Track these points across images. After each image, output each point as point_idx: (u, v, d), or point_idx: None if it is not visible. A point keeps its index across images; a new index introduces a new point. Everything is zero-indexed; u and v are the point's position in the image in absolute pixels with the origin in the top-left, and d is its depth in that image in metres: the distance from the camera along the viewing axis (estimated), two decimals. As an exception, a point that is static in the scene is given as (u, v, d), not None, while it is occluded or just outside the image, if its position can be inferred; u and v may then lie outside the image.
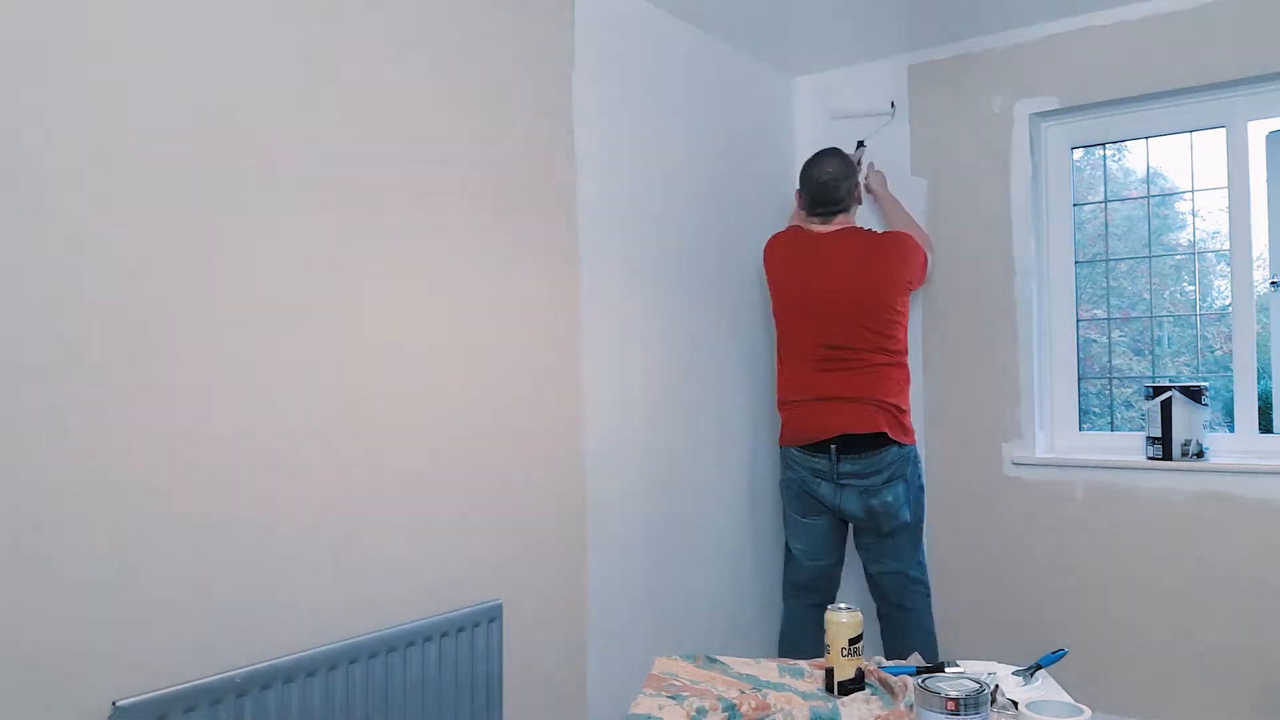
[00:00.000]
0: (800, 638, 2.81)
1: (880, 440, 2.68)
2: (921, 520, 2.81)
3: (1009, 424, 3.06)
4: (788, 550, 2.92)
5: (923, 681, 1.43)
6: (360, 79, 1.97)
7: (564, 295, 2.48)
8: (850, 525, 2.84)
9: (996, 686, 1.60)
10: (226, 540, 1.71)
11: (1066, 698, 1.60)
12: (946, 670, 1.72)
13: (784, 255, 2.89)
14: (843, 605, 1.71)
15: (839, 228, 2.84)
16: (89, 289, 1.53)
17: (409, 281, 2.07)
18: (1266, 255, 2.78)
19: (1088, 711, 1.37)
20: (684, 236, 2.94)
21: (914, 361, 3.24)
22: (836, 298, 2.73)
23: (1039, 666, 1.79)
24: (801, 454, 2.77)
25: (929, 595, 2.84)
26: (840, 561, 2.88)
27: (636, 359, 2.73)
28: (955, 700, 1.36)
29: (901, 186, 3.27)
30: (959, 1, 2.87)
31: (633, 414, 2.71)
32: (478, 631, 2.15)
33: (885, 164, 3.30)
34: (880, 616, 2.86)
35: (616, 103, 2.68)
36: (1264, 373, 2.79)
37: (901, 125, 3.28)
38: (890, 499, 2.70)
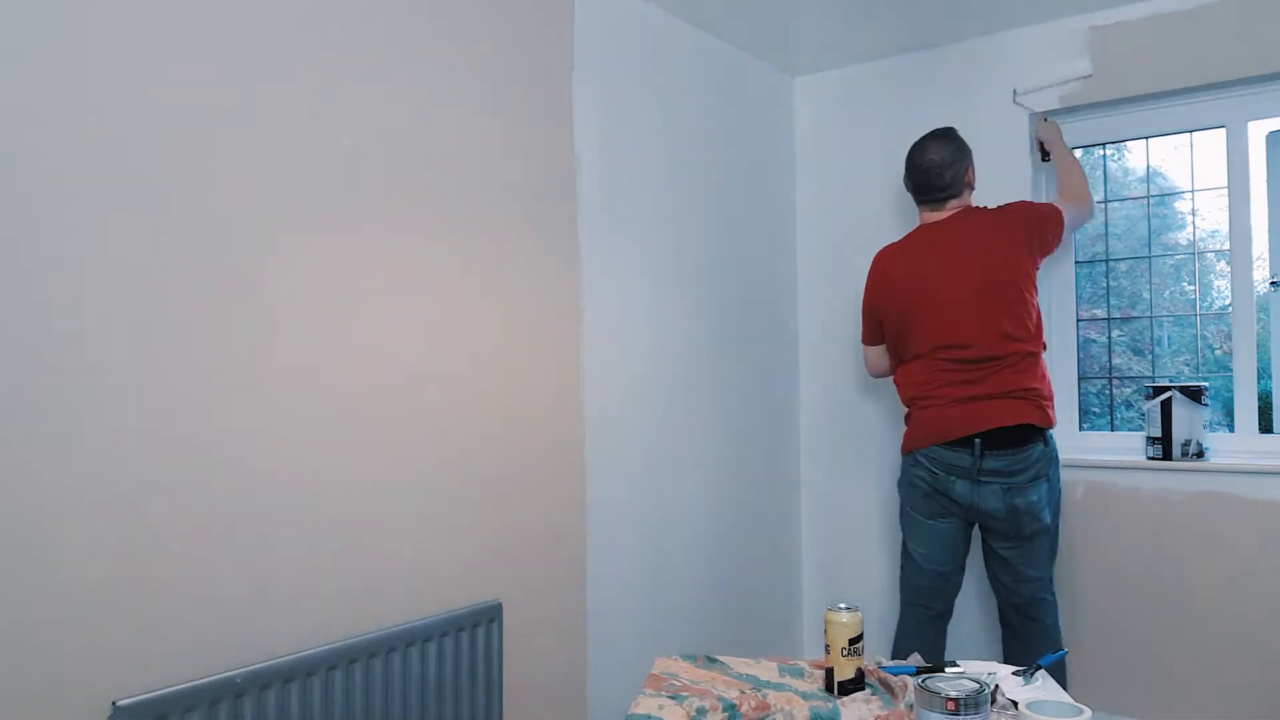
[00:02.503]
0: (918, 648, 2.56)
1: (1028, 435, 2.47)
2: (1059, 526, 2.59)
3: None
4: (905, 554, 2.69)
5: (923, 681, 1.43)
6: (360, 79, 1.97)
7: (564, 295, 2.48)
8: (979, 529, 2.60)
9: (996, 686, 1.60)
10: (226, 540, 1.71)
11: (1066, 698, 1.60)
12: (946, 670, 1.72)
13: (893, 259, 2.69)
14: (843, 605, 1.71)
15: (951, 213, 2.63)
16: (91, 290, 1.53)
17: (409, 282, 2.06)
18: (1266, 255, 2.78)
19: (1088, 711, 1.37)
20: (684, 236, 2.94)
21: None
22: (959, 290, 2.53)
23: (1039, 666, 1.79)
24: (939, 449, 2.53)
25: (1058, 608, 2.61)
26: (963, 568, 2.66)
27: (636, 359, 2.73)
28: (955, 700, 1.36)
29: (895, 186, 3.27)
30: (959, 1, 2.87)
31: (633, 414, 2.71)
32: (478, 631, 2.15)
33: (878, 166, 3.31)
34: (1008, 627, 2.64)
35: (616, 103, 2.68)
36: (1264, 373, 2.79)
37: (899, 125, 3.28)
38: (1034, 498, 2.47)
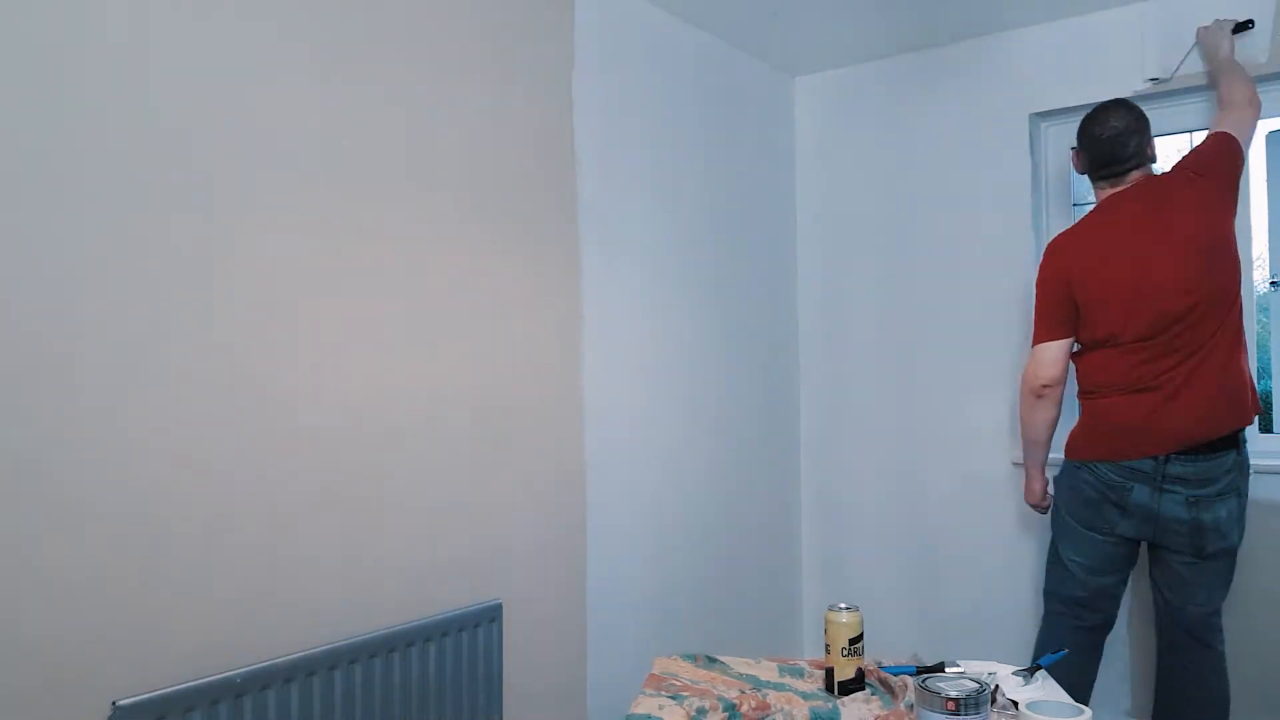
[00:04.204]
0: (1063, 665, 2.20)
1: (1223, 443, 2.23)
2: (1239, 546, 2.33)
3: (1009, 423, 3.05)
4: (1055, 558, 2.46)
5: (923, 681, 1.43)
6: (360, 79, 1.97)
7: (564, 295, 2.48)
8: (1145, 544, 2.36)
9: (996, 686, 1.60)
10: (226, 540, 1.71)
11: (1066, 698, 1.60)
12: (946, 670, 1.72)
13: (1071, 245, 2.42)
14: (843, 605, 1.71)
15: (1132, 185, 2.38)
16: (91, 290, 1.53)
17: (409, 282, 2.07)
18: (1266, 255, 2.78)
19: (1088, 711, 1.37)
20: (684, 236, 2.94)
21: (915, 362, 3.24)
22: (1154, 268, 2.26)
23: (1039, 666, 1.79)
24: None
25: (1222, 623, 2.38)
26: (1125, 581, 2.42)
27: (637, 359, 2.73)
28: (955, 700, 1.36)
29: (895, 186, 3.28)
30: (959, 2, 2.87)
31: (633, 414, 2.71)
32: (478, 631, 2.15)
33: (878, 166, 3.31)
34: (1174, 654, 2.38)
35: (616, 103, 2.68)
36: (1264, 373, 2.79)
37: (899, 125, 3.28)
38: (1224, 514, 2.23)
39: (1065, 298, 2.39)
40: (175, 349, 1.64)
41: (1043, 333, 2.44)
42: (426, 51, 2.12)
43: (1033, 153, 3.06)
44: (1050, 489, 2.61)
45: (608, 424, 2.61)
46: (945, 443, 3.18)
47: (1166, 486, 2.24)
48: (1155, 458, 2.23)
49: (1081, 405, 2.42)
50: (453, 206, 2.17)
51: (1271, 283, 2.76)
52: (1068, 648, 2.32)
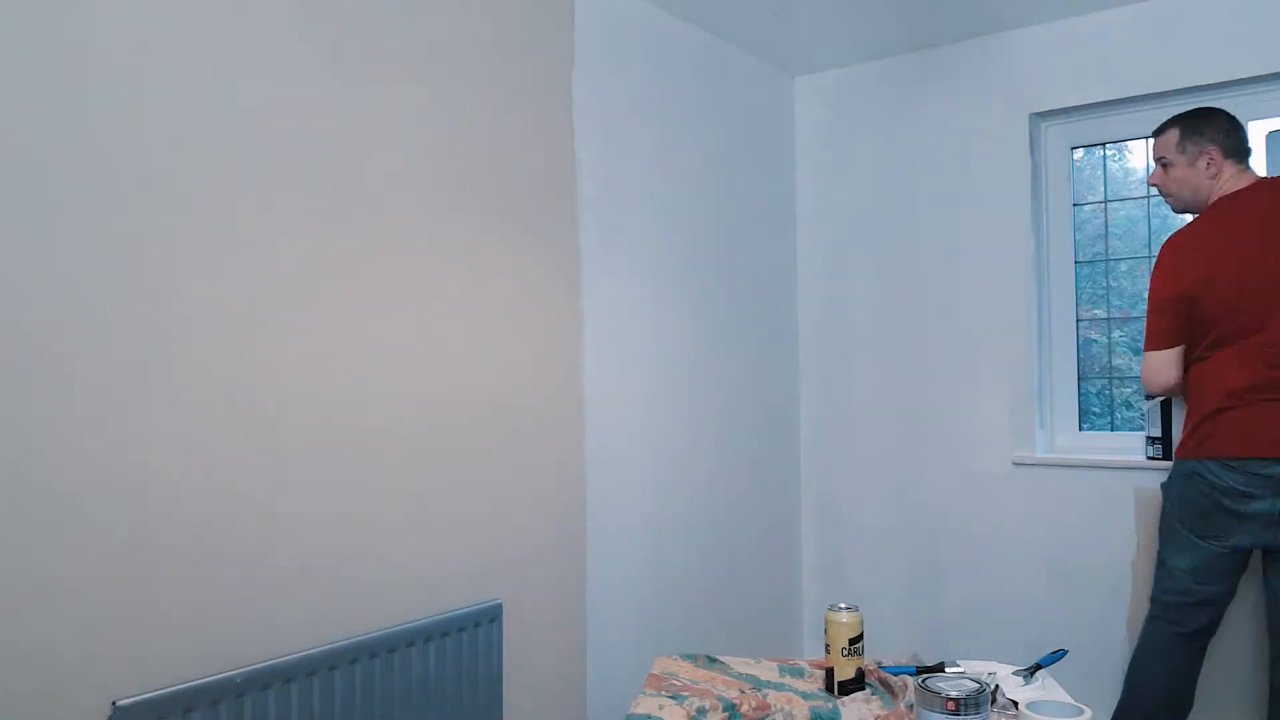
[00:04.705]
0: (1160, 669, 2.30)
1: None
2: None
3: (1009, 423, 3.06)
4: (1161, 564, 2.41)
5: (923, 681, 1.43)
6: (360, 80, 1.97)
7: (564, 295, 2.48)
8: (1265, 553, 2.31)
9: (996, 686, 1.60)
10: (226, 540, 1.71)
11: (1067, 698, 1.60)
12: (946, 670, 1.72)
13: (1195, 242, 2.35)
14: (843, 605, 1.71)
15: (1254, 181, 2.34)
16: (91, 290, 1.53)
17: (409, 281, 2.07)
18: (1266, 255, 2.78)
19: (1088, 711, 1.37)
20: (684, 236, 2.94)
21: (916, 362, 3.24)
22: None
23: (1039, 666, 1.79)
24: (1237, 460, 2.22)
25: None
26: (1234, 591, 2.35)
27: (637, 359, 2.73)
28: (955, 700, 1.36)
29: (895, 186, 3.28)
30: (959, 1, 2.87)
31: (633, 414, 2.71)
32: (478, 631, 2.15)
33: (878, 166, 3.31)
34: None
35: (616, 103, 2.68)
36: (1264, 373, 2.78)
37: (899, 125, 3.28)
38: None
39: (1187, 306, 2.34)
40: (176, 349, 1.64)
41: (1158, 340, 2.39)
42: (426, 52, 2.12)
43: (1033, 153, 3.06)
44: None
45: (608, 424, 2.61)
46: (945, 443, 3.18)
47: None
48: None
49: (1207, 410, 2.34)
50: (452, 207, 2.17)
51: (1272, 283, 2.75)
52: (1165, 655, 2.31)
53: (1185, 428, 2.38)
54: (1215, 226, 2.33)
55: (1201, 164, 2.38)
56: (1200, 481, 2.28)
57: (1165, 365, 2.37)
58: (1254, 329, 2.23)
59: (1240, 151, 2.38)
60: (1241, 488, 2.22)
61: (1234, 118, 2.41)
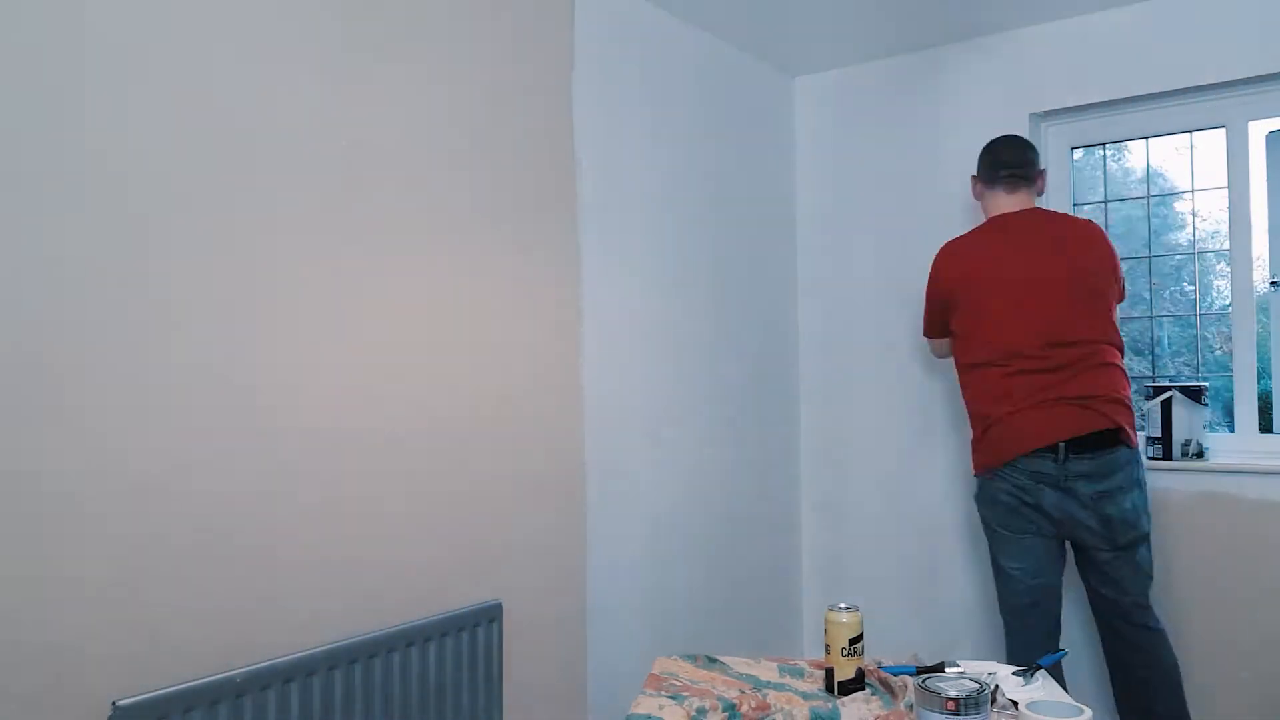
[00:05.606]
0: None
1: (1114, 438, 2.34)
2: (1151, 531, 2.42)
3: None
4: (997, 568, 2.53)
5: (923, 681, 1.42)
6: (360, 79, 1.97)
7: (564, 295, 2.48)
8: (1072, 543, 2.46)
9: (996, 686, 1.60)
10: (227, 540, 1.71)
11: (1067, 698, 1.60)
12: (946, 670, 1.71)
13: (962, 253, 2.57)
14: (843, 605, 1.70)
15: (1026, 206, 2.53)
16: (91, 291, 1.53)
17: (409, 282, 2.07)
18: (1266, 255, 2.78)
19: (1088, 711, 1.37)
20: (684, 236, 2.94)
21: (915, 362, 3.24)
22: (1048, 284, 2.40)
23: (1039, 666, 1.79)
24: (1023, 459, 2.38)
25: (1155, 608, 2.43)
26: (1061, 583, 2.50)
27: (637, 359, 2.73)
28: (955, 700, 1.36)
29: (895, 186, 3.27)
30: (959, 2, 2.87)
31: (633, 414, 2.71)
32: (478, 631, 2.15)
33: (878, 166, 3.31)
34: (1120, 642, 2.44)
35: (616, 103, 2.68)
36: (1264, 373, 2.79)
37: (899, 125, 3.28)
38: (1129, 506, 2.33)
39: (944, 309, 2.65)
40: (175, 349, 1.64)
41: (927, 329, 2.75)
42: (426, 52, 2.12)
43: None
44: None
45: (607, 424, 2.61)
46: (945, 442, 3.18)
47: (1069, 485, 2.35)
48: (1055, 457, 2.35)
49: (982, 427, 2.52)
50: (451, 207, 2.17)
51: (1272, 283, 2.76)
52: (1042, 654, 2.35)
53: (973, 441, 2.53)
54: (983, 241, 2.56)
55: (974, 189, 2.67)
56: (1000, 479, 2.44)
57: (938, 348, 2.78)
58: (1011, 340, 2.42)
59: (997, 180, 2.57)
60: (1026, 478, 2.39)
61: (1005, 147, 2.57)
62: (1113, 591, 2.40)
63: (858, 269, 3.39)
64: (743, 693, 1.65)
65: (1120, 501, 2.33)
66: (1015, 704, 1.56)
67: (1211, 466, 2.74)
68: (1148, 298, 3.04)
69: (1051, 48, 3.00)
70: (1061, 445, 2.34)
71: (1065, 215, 2.56)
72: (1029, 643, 2.46)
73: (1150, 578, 2.41)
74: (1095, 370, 2.38)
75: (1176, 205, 3.03)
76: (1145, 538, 2.39)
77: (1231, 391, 2.82)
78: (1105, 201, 3.10)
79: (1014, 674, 1.76)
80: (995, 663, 1.86)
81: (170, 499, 1.63)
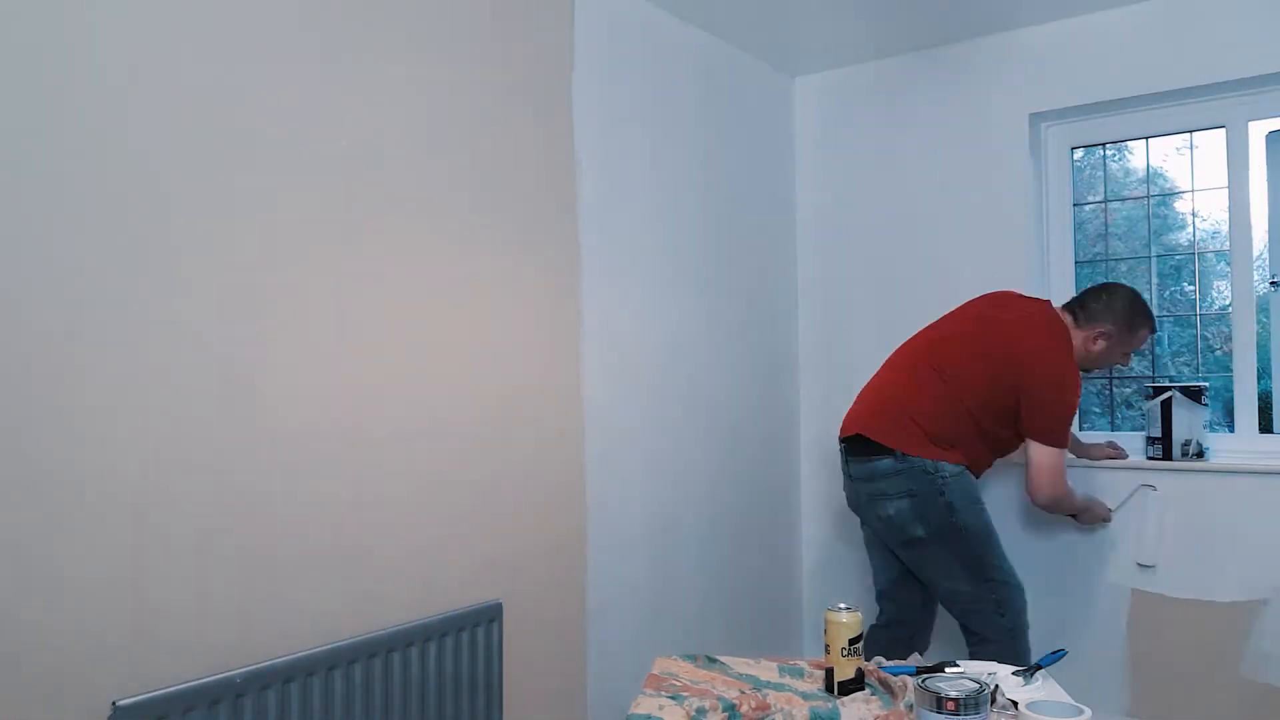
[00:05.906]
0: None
1: (875, 447, 2.45)
2: (963, 535, 2.43)
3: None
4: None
5: (923, 681, 1.42)
6: (360, 79, 1.97)
7: (564, 295, 2.48)
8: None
9: (996, 686, 1.60)
10: (226, 540, 1.71)
11: (1066, 698, 1.60)
12: (946, 670, 1.71)
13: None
14: (843, 605, 1.71)
15: (1015, 293, 2.70)
16: (92, 291, 1.53)
17: (409, 282, 2.07)
18: (1266, 255, 2.78)
19: (1088, 711, 1.37)
20: (684, 236, 2.94)
21: (914, 361, 3.24)
22: (952, 328, 2.59)
23: (1039, 666, 1.79)
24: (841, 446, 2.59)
25: (1001, 614, 2.44)
26: (898, 580, 2.63)
27: (637, 359, 2.73)
28: (955, 700, 1.36)
29: (895, 186, 3.27)
30: (959, 2, 2.87)
31: (633, 414, 2.71)
32: (478, 631, 2.15)
33: (878, 166, 3.31)
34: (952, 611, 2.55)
35: (616, 103, 2.68)
36: (1264, 373, 2.79)
37: (899, 125, 3.28)
38: (892, 511, 2.45)
39: None
40: (175, 349, 1.64)
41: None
42: (426, 52, 2.12)
43: (1033, 153, 3.06)
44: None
45: (608, 424, 2.61)
46: (945, 443, 3.17)
47: (853, 481, 2.56)
48: (843, 455, 2.60)
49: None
50: (453, 207, 2.17)
51: (1272, 283, 2.76)
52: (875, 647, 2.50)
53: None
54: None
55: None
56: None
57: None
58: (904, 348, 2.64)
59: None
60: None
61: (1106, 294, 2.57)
62: (929, 588, 2.57)
63: (858, 268, 3.39)
64: (743, 693, 1.65)
65: (884, 506, 2.47)
66: (1015, 704, 1.56)
67: (1211, 466, 2.74)
68: (1148, 298, 3.04)
69: (1051, 48, 3.00)
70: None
71: (1032, 321, 2.53)
72: (1028, 650, 2.48)
73: (962, 580, 2.45)
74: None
75: (1177, 205, 3.03)
76: (922, 541, 2.44)
77: (1231, 391, 2.82)
78: (1105, 201, 3.10)
79: (1014, 674, 1.76)
80: (995, 663, 1.86)
81: (170, 498, 1.63)
